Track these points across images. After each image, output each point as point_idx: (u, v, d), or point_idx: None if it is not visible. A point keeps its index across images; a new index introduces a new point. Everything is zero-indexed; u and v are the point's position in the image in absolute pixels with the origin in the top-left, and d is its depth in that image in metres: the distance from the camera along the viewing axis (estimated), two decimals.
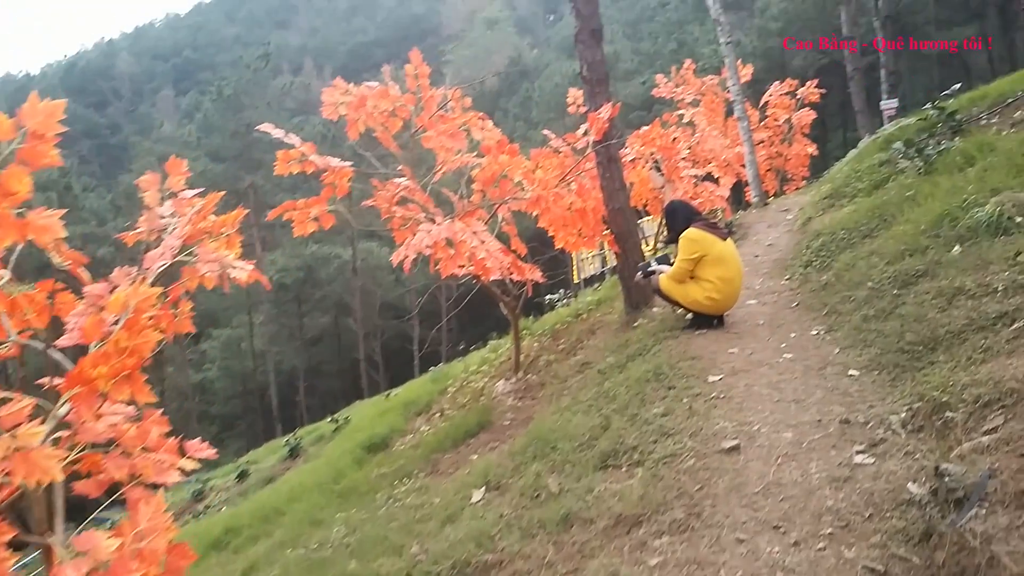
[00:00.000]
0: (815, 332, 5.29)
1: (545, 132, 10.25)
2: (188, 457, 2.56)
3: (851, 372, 4.32)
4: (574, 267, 17.87)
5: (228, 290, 4.27)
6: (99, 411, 2.38)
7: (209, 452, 2.89)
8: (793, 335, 5.34)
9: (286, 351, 48.64)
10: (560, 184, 7.17)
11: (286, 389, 48.21)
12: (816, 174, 19.94)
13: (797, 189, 18.28)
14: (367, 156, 7.96)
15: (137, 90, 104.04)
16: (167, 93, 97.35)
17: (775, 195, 18.06)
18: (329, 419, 17.45)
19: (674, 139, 14.87)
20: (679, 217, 6.13)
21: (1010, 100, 8.41)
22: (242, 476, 16.94)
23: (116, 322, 2.51)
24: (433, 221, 6.71)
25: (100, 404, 2.41)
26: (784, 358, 4.79)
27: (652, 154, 13.07)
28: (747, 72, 18.16)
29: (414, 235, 6.38)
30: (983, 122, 8.33)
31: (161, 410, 2.63)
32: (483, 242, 6.28)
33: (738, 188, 17.60)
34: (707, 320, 5.91)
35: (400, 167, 7.26)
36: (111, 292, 2.63)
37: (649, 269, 6.32)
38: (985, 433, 3.00)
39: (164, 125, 42.83)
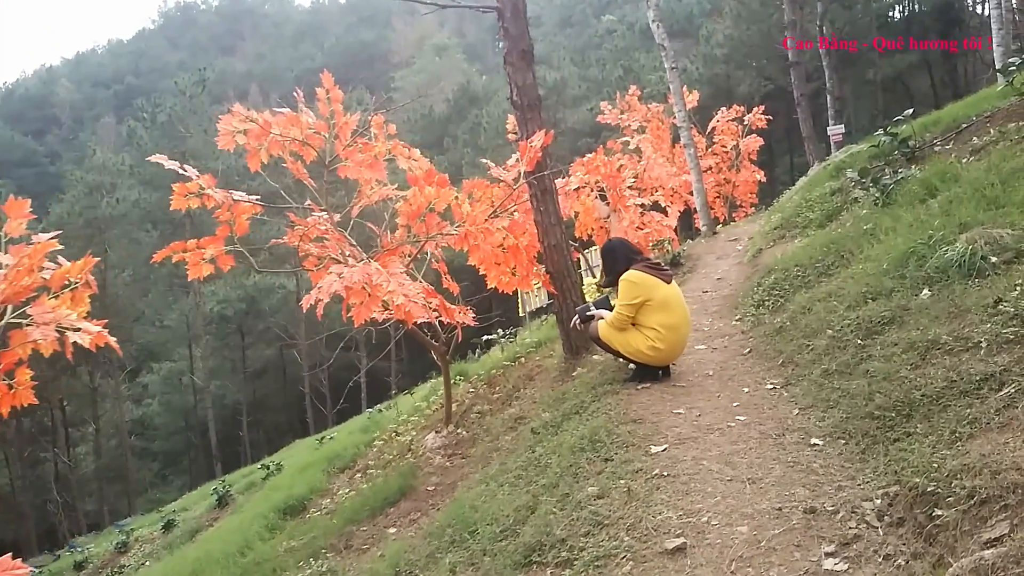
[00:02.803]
0: (770, 387, 4.71)
1: (484, 160, 9.64)
2: None
3: (814, 441, 3.71)
4: (519, 300, 17.26)
5: (71, 355, 3.55)
6: None
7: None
8: (746, 390, 4.75)
9: (229, 385, 47.08)
10: (490, 218, 6.52)
11: (230, 424, 46.58)
12: (764, 200, 19.73)
13: (746, 216, 18.00)
14: (278, 188, 7.22)
15: (77, 117, 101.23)
16: (108, 120, 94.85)
17: (724, 223, 17.74)
18: (260, 464, 16.44)
19: (620, 167, 14.43)
20: (618, 257, 5.48)
21: (964, 125, 8.02)
22: (168, 526, 15.81)
23: None
24: (346, 262, 6.01)
25: None
26: (737, 421, 4.17)
27: (597, 182, 12.57)
28: (693, 98, 17.91)
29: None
30: (937, 148, 7.92)
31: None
32: (401, 285, 5.59)
33: (687, 216, 17.26)
34: (651, 372, 5.28)
35: (308, 202, 6.55)
36: None
37: (587, 313, 5.67)
38: (987, 545, 2.39)
39: (97, 153, 41.18)
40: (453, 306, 7.07)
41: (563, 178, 12.48)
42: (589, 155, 12.67)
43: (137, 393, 48.97)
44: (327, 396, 42.90)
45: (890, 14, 35.09)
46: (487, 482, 4.76)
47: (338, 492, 6.97)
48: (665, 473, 3.63)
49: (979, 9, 35.58)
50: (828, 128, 19.49)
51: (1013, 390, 3.12)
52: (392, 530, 5.31)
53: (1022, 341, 3.39)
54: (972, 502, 2.58)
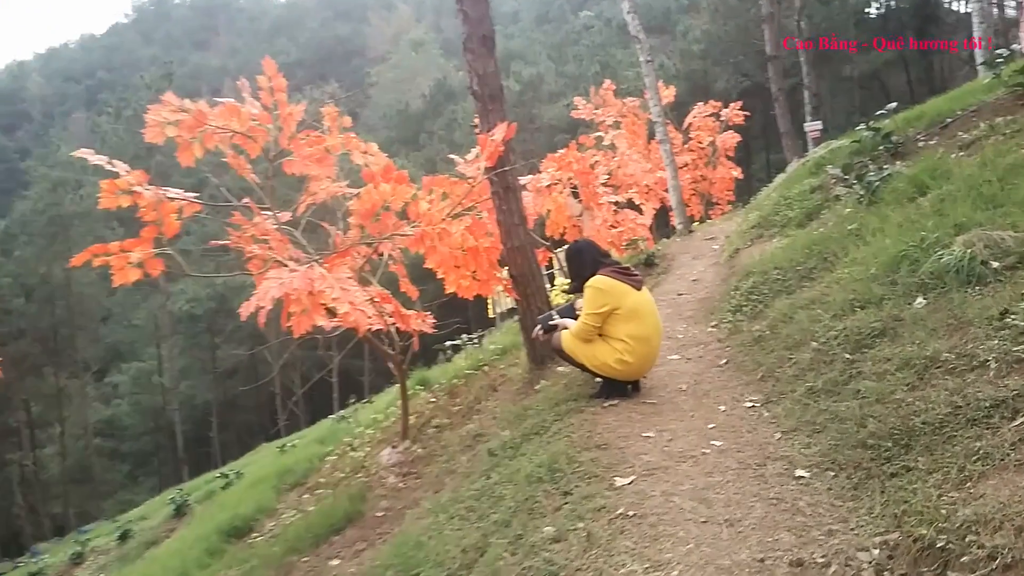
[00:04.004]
0: (749, 405, 4.26)
1: (452, 156, 9.14)
2: None
3: (799, 473, 3.26)
4: (490, 301, 16.72)
5: None
6: None
7: None
8: (723, 409, 4.30)
9: (198, 385, 46.25)
10: (449, 218, 6.04)
11: (200, 424, 45.74)
12: (741, 198, 19.37)
13: (723, 214, 17.62)
14: (217, 184, 6.69)
15: (48, 113, 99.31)
16: (79, 115, 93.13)
17: (700, 220, 17.34)
18: (219, 472, 15.84)
19: (594, 163, 13.99)
20: (586, 260, 4.98)
21: (949, 120, 7.63)
22: (124, 537, 15.18)
23: None
24: (288, 265, 5.50)
25: None
26: (712, 447, 3.72)
27: (570, 179, 12.12)
28: (670, 93, 17.50)
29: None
30: (922, 144, 7.53)
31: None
32: (347, 291, 5.10)
33: (663, 214, 16.85)
34: (619, 387, 4.82)
35: (247, 200, 6.03)
36: None
37: (550, 323, 5.18)
38: None
39: (61, 148, 40.16)
40: (411, 312, 6.60)
41: (534, 174, 12.04)
42: (562, 151, 12.22)
43: (107, 393, 48.08)
44: (299, 396, 42.24)
45: (867, 10, 34.88)
46: (437, 512, 4.28)
47: (285, 514, 6.46)
48: (631, 513, 3.16)
49: (955, 6, 35.57)
50: (805, 124, 19.18)
51: None
52: (335, 562, 4.83)
53: None
54: (994, 567, 2.14)
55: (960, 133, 7.04)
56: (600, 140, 15.88)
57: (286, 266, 5.54)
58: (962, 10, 34.53)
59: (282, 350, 39.81)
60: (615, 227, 12.02)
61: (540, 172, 11.93)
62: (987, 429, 2.79)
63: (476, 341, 9.24)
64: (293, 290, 5.01)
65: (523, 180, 11.99)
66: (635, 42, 13.73)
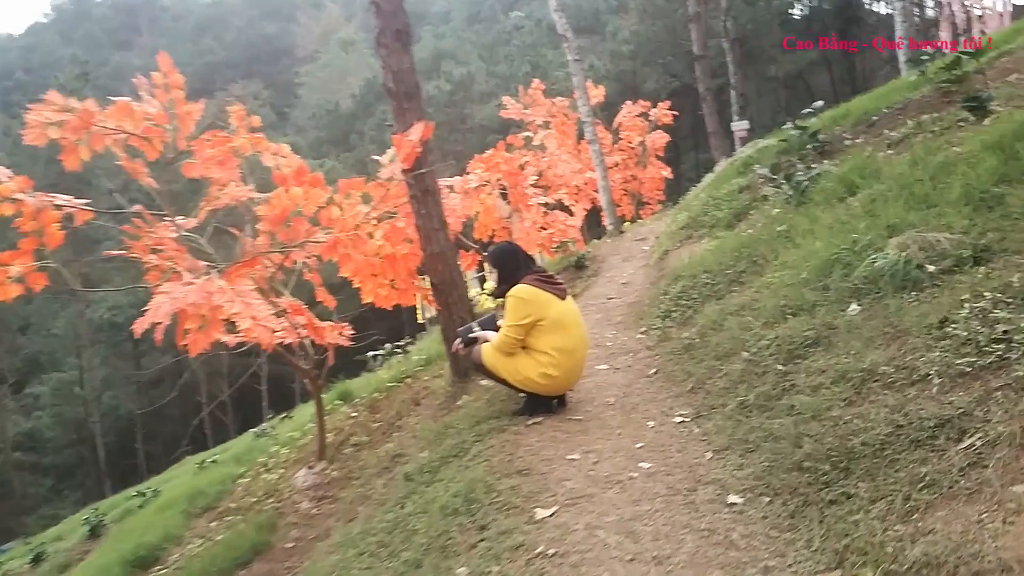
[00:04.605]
0: (679, 419, 4.01)
1: (375, 157, 8.74)
2: None
3: (731, 499, 3.01)
4: (419, 305, 16.31)
5: None
6: None
7: None
8: (651, 424, 4.03)
9: (122, 395, 44.53)
10: (364, 223, 5.66)
11: (124, 435, 44.06)
12: (671, 197, 19.39)
13: (653, 214, 17.57)
14: (111, 189, 6.17)
15: None
16: None
17: (632, 220, 17.26)
18: (136, 491, 15.06)
19: (524, 163, 13.74)
20: (520, 262, 4.66)
21: (876, 118, 7.58)
22: (37, 559, 14.28)
23: None
24: (186, 276, 5.05)
25: None
26: (640, 470, 3.44)
27: (498, 180, 11.83)
28: (599, 93, 17.39)
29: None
30: (848, 142, 7.46)
31: None
32: (249, 305, 4.69)
33: (595, 214, 16.71)
34: (544, 402, 4.52)
35: (137, 207, 5.55)
36: None
37: (471, 335, 4.84)
38: None
39: None
40: (327, 323, 6.22)
41: (463, 175, 11.73)
42: (491, 152, 11.93)
43: (27, 405, 45.90)
44: (227, 405, 41.09)
45: (791, 11, 35.52)
46: (347, 547, 3.91)
47: (192, 543, 6.00)
48: (551, 551, 2.86)
49: (875, 7, 36.50)
50: (732, 124, 19.30)
51: (978, 441, 2.48)
52: None
53: (981, 376, 2.76)
54: None
55: (887, 131, 6.97)
56: (529, 140, 15.63)
57: (193, 276, 5.10)
58: (883, 11, 35.46)
59: (209, 358, 38.64)
60: (545, 229, 11.77)
61: (468, 173, 11.64)
62: (932, 452, 2.57)
63: (402, 349, 8.83)
64: (188, 305, 4.58)
65: (451, 181, 11.67)
66: (563, 41, 13.52)
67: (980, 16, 13.58)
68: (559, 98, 17.74)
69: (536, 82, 17.60)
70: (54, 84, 41.55)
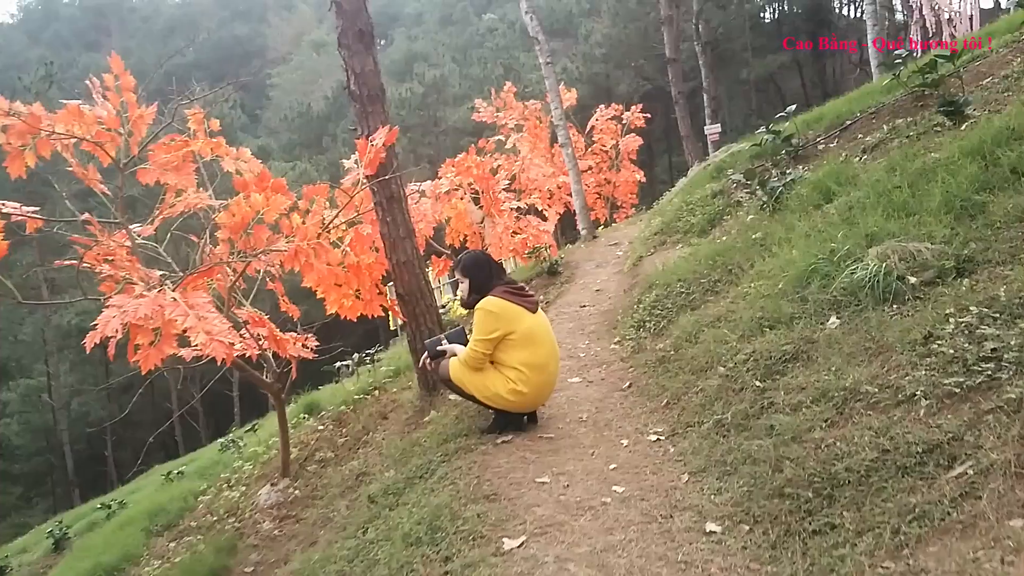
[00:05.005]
0: (654, 438, 3.85)
1: (343, 161, 8.51)
2: None
3: (709, 527, 2.84)
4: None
5: None
6: None
7: None
8: (625, 443, 3.87)
9: (91, 401, 43.69)
10: (326, 232, 5.44)
11: (96, 442, 43.24)
12: (644, 200, 19.35)
13: (627, 217, 17.51)
14: (64, 194, 5.91)
15: None
16: None
17: (605, 224, 17.16)
18: (100, 504, 14.64)
19: (496, 167, 13.58)
20: (493, 271, 4.45)
21: (849, 122, 7.50)
22: (1, 573, 13.85)
23: None
24: (139, 287, 4.82)
25: None
26: (614, 495, 3.27)
27: (470, 184, 11.66)
28: (572, 97, 17.30)
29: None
30: (822, 147, 7.37)
31: None
32: (203, 319, 4.46)
33: (568, 218, 16.60)
34: (514, 419, 4.34)
35: (85, 215, 5.30)
36: None
37: (439, 348, 4.63)
38: None
39: None
40: (290, 334, 6.00)
41: (432, 180, 11.55)
42: (462, 155, 11.75)
43: None
44: (199, 411, 40.47)
45: (762, 15, 35.69)
46: None
47: (149, 565, 5.74)
48: None
49: (845, 11, 36.78)
50: (705, 127, 19.26)
51: (970, 470, 2.33)
52: None
53: (970, 397, 2.62)
54: None
55: (861, 135, 6.89)
56: (502, 144, 15.48)
57: (144, 287, 4.87)
58: (852, 15, 35.77)
59: (179, 364, 37.95)
60: (517, 234, 11.59)
61: (440, 177, 11.46)
62: (921, 480, 2.42)
63: (371, 359, 8.59)
64: (139, 319, 4.35)
65: (423, 185, 11.47)
66: (535, 44, 13.36)
67: (949, 19, 13.60)
68: (532, 101, 17.63)
69: (509, 85, 17.48)
70: (18, 86, 40.73)
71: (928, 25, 13.56)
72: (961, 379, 2.70)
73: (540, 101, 17.68)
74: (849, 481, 2.59)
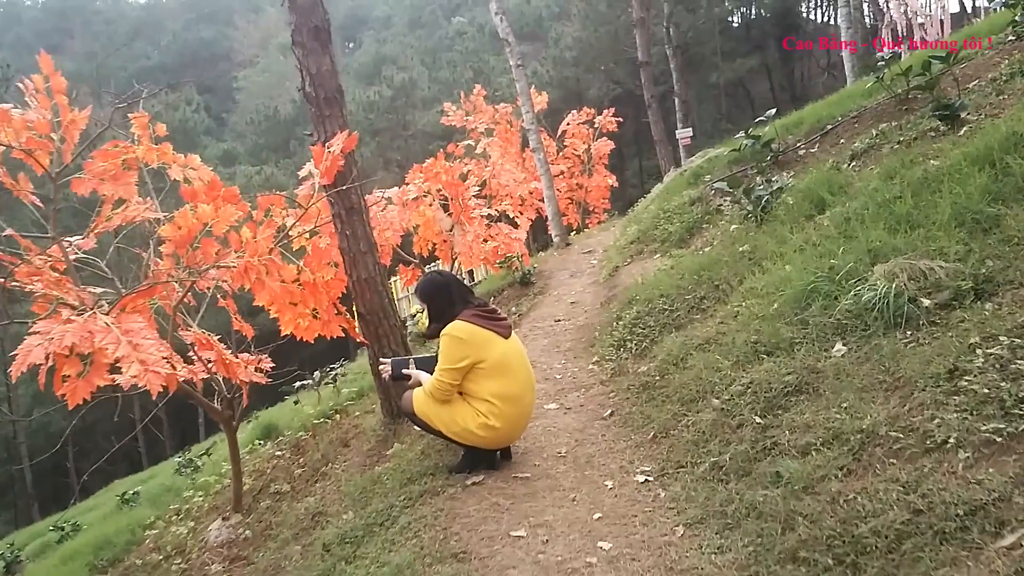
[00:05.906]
0: (641, 479, 3.46)
1: (301, 172, 8.03)
2: None
3: None
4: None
5: None
6: None
7: None
8: (610, 485, 3.47)
9: (53, 413, 42.52)
10: (277, 247, 4.99)
11: (56, 454, 42.04)
12: (616, 205, 19.04)
13: (600, 223, 17.18)
14: None
15: None
16: None
17: (578, 230, 16.82)
18: (52, 526, 13.99)
19: (466, 173, 13.15)
20: (455, 297, 3.96)
21: (830, 126, 7.20)
22: None
23: None
24: (70, 309, 4.34)
25: None
26: (600, 554, 2.87)
27: (439, 191, 11.21)
28: (542, 100, 16.93)
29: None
30: (802, 152, 7.06)
31: None
32: (137, 347, 4.01)
33: (540, 223, 16.23)
34: (486, 455, 3.93)
35: (8, 231, 4.81)
36: None
37: (402, 371, 4.18)
38: None
39: None
40: (242, 356, 5.52)
41: (400, 187, 11.09)
42: (430, 160, 11.30)
43: None
44: (163, 422, 39.51)
45: (731, 19, 35.66)
46: None
47: None
48: None
49: (813, 16, 36.88)
50: (677, 131, 19.01)
51: (1023, 540, 1.96)
52: None
53: (1012, 447, 2.26)
54: None
55: (844, 140, 6.58)
56: (472, 148, 15.08)
57: (73, 311, 4.40)
58: (820, 19, 35.87)
59: None
60: (488, 241, 11.17)
61: (407, 183, 11.01)
62: (964, 550, 2.06)
63: (333, 378, 8.07)
64: (64, 348, 3.88)
65: (390, 192, 11.00)
66: (504, 45, 12.98)
67: (921, 24, 13.45)
68: (502, 104, 17.25)
69: (478, 88, 17.08)
70: None
71: (899, 28, 13.41)
72: (1000, 424, 2.34)
73: (511, 105, 17.32)
74: (877, 547, 2.22)
